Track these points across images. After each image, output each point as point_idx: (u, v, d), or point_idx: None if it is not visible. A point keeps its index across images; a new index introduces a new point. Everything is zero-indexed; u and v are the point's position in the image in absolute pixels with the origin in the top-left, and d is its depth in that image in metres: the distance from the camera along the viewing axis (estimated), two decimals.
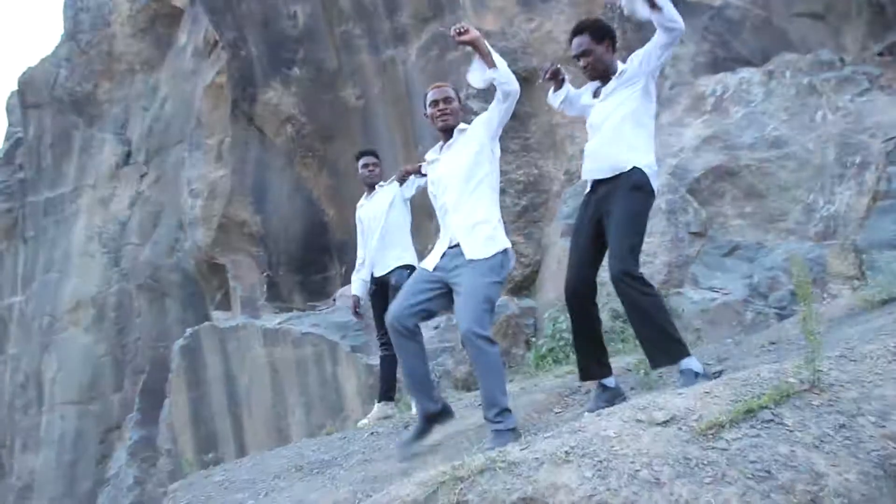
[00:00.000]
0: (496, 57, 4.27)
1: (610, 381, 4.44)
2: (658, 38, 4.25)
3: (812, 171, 7.63)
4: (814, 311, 3.36)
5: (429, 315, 4.46)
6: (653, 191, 4.29)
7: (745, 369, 3.75)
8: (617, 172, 4.24)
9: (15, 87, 18.55)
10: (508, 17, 9.41)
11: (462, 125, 4.60)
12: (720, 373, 4.22)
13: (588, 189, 4.45)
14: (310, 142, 12.07)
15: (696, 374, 3.95)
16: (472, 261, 4.26)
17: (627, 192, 4.19)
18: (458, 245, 4.35)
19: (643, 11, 4.19)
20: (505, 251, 4.34)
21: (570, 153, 9.19)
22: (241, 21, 12.25)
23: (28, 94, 17.67)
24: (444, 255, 4.39)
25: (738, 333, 6.59)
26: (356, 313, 6.87)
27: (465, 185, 4.40)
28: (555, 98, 4.84)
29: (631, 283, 4.06)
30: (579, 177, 9.02)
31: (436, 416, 4.49)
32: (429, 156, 4.83)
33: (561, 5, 9.39)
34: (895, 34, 9.15)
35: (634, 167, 4.23)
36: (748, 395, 3.01)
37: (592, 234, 4.33)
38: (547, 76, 4.72)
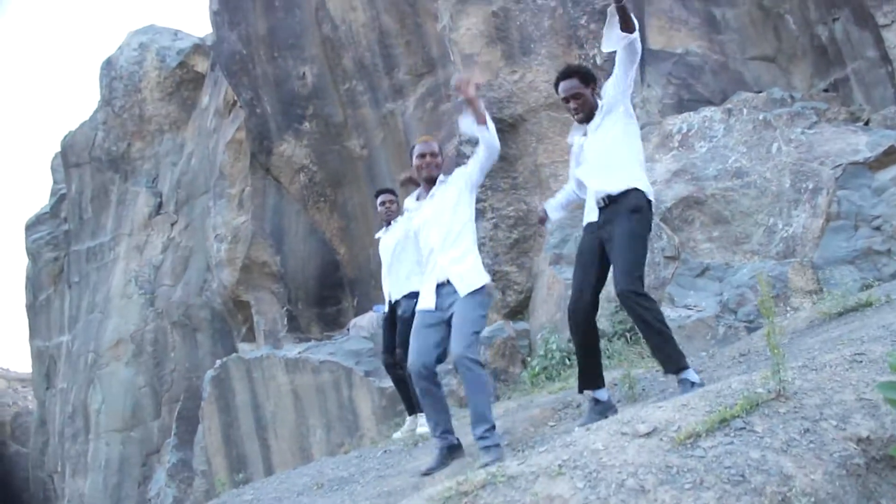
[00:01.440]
0: (488, 117, 4.38)
1: (602, 395, 4.42)
2: (619, 59, 4.26)
3: (771, 198, 7.65)
4: (777, 326, 3.35)
5: (443, 355, 4.50)
6: (651, 210, 4.30)
7: (719, 381, 3.73)
8: (618, 192, 4.22)
9: (58, 149, 18.63)
10: (494, 70, 9.47)
11: (442, 176, 4.68)
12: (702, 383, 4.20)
13: (594, 218, 4.40)
14: (321, 188, 12.10)
15: (693, 384, 3.93)
16: (464, 297, 4.33)
17: (628, 214, 4.18)
18: (447, 283, 4.39)
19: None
20: (486, 284, 4.43)
21: (555, 189, 9.18)
22: (257, 83, 12.33)
23: (70, 155, 17.76)
24: (438, 294, 4.43)
25: (712, 346, 6.57)
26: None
27: (449, 228, 4.48)
28: (557, 213, 4.91)
29: (636, 300, 4.05)
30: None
31: (454, 447, 4.50)
32: (409, 203, 4.89)
33: (540, 58, 9.45)
34: (837, 72, 9.22)
35: (632, 189, 4.23)
36: (721, 405, 3.00)
37: (595, 260, 4.32)
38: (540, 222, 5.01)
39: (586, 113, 4.45)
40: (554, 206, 4.87)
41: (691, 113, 8.78)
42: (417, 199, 4.77)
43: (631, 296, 4.04)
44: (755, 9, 9.77)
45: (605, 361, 6.52)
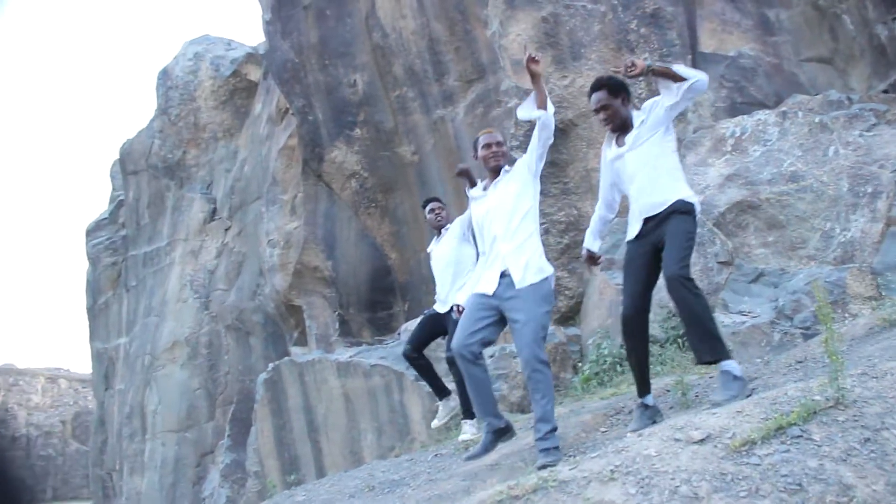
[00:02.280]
0: (548, 101, 4.46)
1: (649, 400, 4.40)
2: (683, 92, 4.30)
3: (828, 202, 7.48)
4: (835, 332, 3.27)
5: (488, 343, 4.49)
6: (696, 216, 4.34)
7: (774, 388, 3.66)
8: (665, 206, 4.26)
9: (117, 156, 19.05)
10: (544, 75, 9.41)
11: (507, 167, 4.74)
12: (752, 391, 4.12)
13: (636, 231, 4.42)
14: (372, 194, 12.18)
15: (735, 377, 3.89)
16: (524, 289, 4.33)
17: (678, 216, 4.23)
18: (508, 273, 4.38)
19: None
20: (549, 277, 4.46)
21: None
22: (308, 90, 12.46)
23: (128, 163, 18.15)
24: (499, 283, 4.40)
25: (766, 353, 6.44)
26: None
27: (511, 217, 4.53)
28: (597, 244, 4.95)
29: (685, 284, 4.05)
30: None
31: (501, 431, 4.49)
32: (474, 192, 4.93)
33: (591, 62, 9.38)
34: None
35: (679, 199, 4.27)
36: (777, 412, 2.94)
37: (645, 264, 4.33)
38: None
39: (616, 124, 4.51)
40: (593, 241, 4.90)
41: (745, 116, 8.64)
42: (484, 189, 4.82)
43: (680, 279, 4.05)
44: (810, 9, 9.57)
45: (657, 368, 6.48)
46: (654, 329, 7.26)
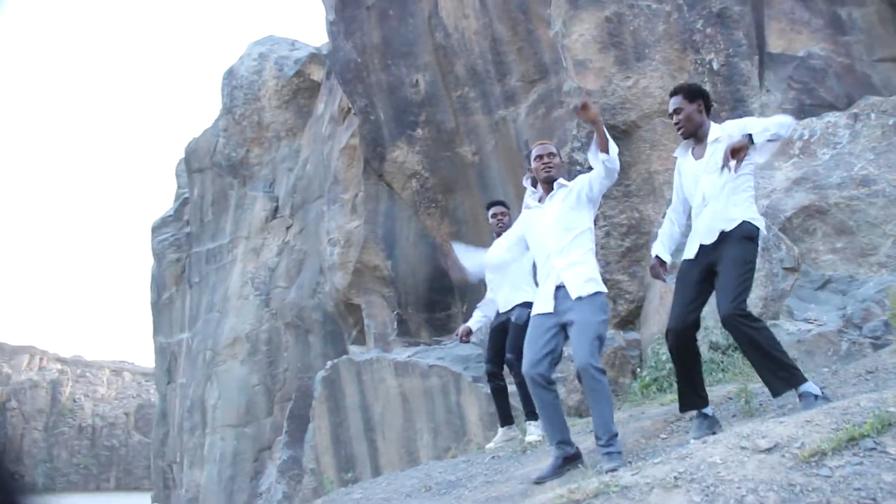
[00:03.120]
0: (610, 142, 4.35)
1: (708, 411, 4.32)
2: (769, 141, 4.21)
3: None
4: None
5: (557, 359, 4.47)
6: (756, 238, 4.23)
7: (844, 398, 3.55)
8: (730, 229, 4.18)
9: (182, 155, 19.45)
10: (607, 76, 9.33)
11: (562, 180, 4.69)
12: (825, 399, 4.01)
13: (694, 252, 4.36)
14: (432, 194, 12.21)
15: (816, 397, 3.79)
16: (580, 298, 4.30)
17: (738, 241, 4.14)
18: (563, 287, 4.36)
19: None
20: (603, 293, 4.41)
21: (668, 197, 8.98)
22: (371, 90, 12.55)
23: (193, 161, 18.51)
24: (555, 298, 4.38)
25: (833, 363, 6.27)
26: (462, 339, 6.72)
27: (566, 232, 4.49)
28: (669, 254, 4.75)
29: (741, 321, 3.97)
30: None
31: (572, 458, 4.44)
32: (529, 200, 4.89)
33: (655, 63, 9.26)
34: None
35: (744, 221, 4.17)
36: (849, 423, 2.85)
37: (699, 280, 4.27)
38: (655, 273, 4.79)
39: (688, 130, 4.44)
40: (664, 251, 4.72)
41: (814, 119, 8.43)
42: (539, 200, 4.79)
43: (735, 318, 3.97)
44: (885, 7, 9.29)
45: (719, 375, 6.36)
46: (716, 335, 7.12)
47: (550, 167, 4.68)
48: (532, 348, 4.40)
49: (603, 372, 4.16)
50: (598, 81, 9.31)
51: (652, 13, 9.41)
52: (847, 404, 3.09)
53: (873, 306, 6.77)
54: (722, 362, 6.60)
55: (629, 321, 9.06)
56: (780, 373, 3.94)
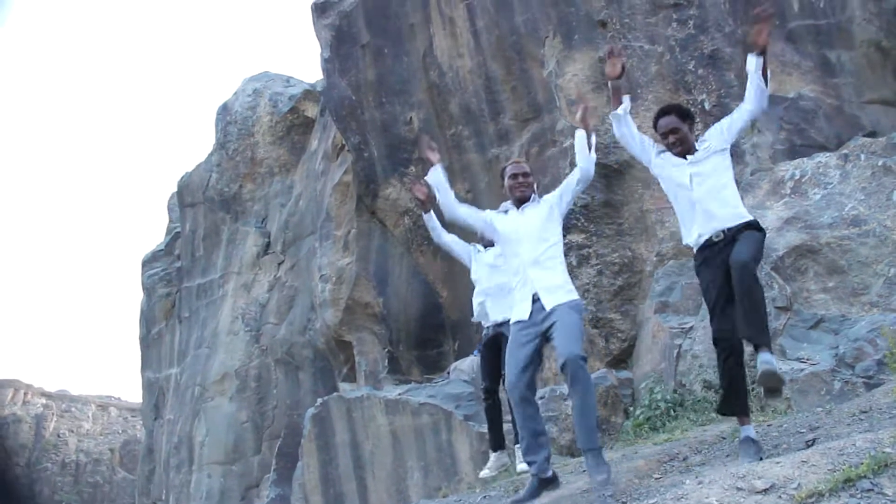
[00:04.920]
0: (593, 145, 4.85)
1: (748, 430, 4.27)
2: (743, 109, 4.69)
3: (891, 247, 7.31)
4: None
5: (537, 368, 4.59)
6: (764, 235, 4.54)
7: (839, 438, 3.55)
8: (738, 221, 4.42)
9: (175, 189, 19.47)
10: (600, 115, 9.43)
11: (535, 196, 4.90)
12: (813, 441, 4.01)
13: (701, 253, 4.54)
14: (425, 232, 12.16)
15: (754, 441, 4.09)
16: (557, 306, 4.45)
17: (750, 231, 4.38)
18: (538, 298, 4.52)
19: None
20: (579, 301, 4.59)
21: (661, 236, 9.05)
22: (364, 127, 12.62)
23: (185, 195, 18.52)
24: (532, 307, 4.52)
25: (826, 402, 6.26)
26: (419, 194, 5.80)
27: (539, 243, 4.66)
28: (619, 117, 4.96)
29: (752, 273, 4.18)
30: (670, 258, 8.88)
31: (547, 482, 4.44)
32: (489, 214, 5.04)
33: (647, 103, 9.36)
34: None
35: (753, 219, 4.48)
36: (845, 464, 2.85)
37: (722, 284, 4.37)
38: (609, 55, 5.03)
39: (685, 147, 4.65)
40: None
41: (804, 159, 8.52)
42: (506, 212, 4.92)
43: (748, 269, 4.16)
44: (873, 50, 9.45)
45: (711, 415, 6.34)
46: (709, 374, 7.13)
47: (525, 186, 4.88)
48: (512, 362, 4.47)
49: (585, 360, 4.26)
50: (592, 121, 9.36)
51: (644, 54, 9.54)
52: (843, 444, 3.09)
53: (865, 346, 6.79)
54: (715, 402, 6.58)
55: (621, 360, 9.06)
56: (762, 328, 4.14)
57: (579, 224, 9.27)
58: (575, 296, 4.54)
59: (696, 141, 4.73)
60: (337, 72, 13.04)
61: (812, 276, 7.56)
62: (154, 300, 19.56)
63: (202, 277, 17.58)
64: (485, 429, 8.01)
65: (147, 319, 19.91)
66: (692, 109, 9.23)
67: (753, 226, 4.43)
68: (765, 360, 4.02)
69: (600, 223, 9.29)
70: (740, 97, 9.07)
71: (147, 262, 20.20)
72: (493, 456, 6.58)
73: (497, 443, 6.56)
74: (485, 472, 6.56)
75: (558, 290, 4.50)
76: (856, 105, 9.35)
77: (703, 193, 4.51)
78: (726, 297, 4.33)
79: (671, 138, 4.63)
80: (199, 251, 17.82)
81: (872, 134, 8.85)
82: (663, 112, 4.77)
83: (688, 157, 4.63)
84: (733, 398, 4.39)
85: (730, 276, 4.30)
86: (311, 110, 16.46)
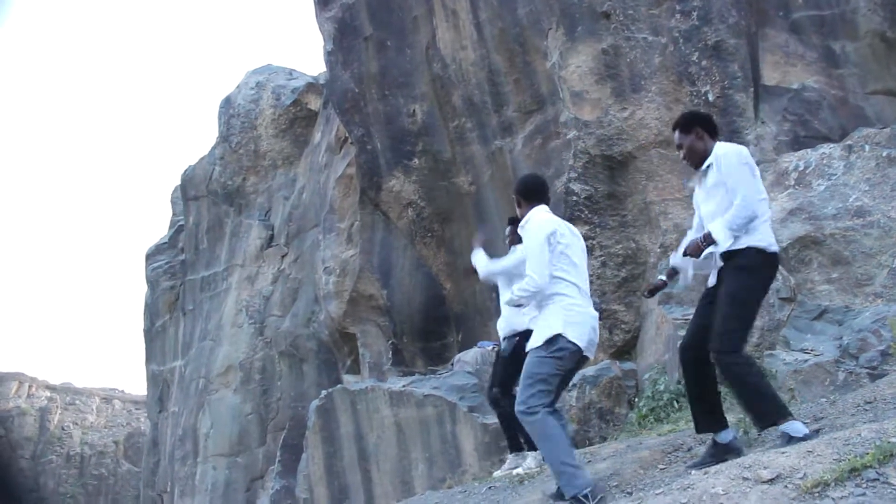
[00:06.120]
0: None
1: (724, 437, 4.21)
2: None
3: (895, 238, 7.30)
4: None
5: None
6: (770, 264, 4.16)
7: (843, 429, 3.55)
8: (731, 249, 4.10)
9: (178, 182, 19.47)
10: (603, 107, 9.41)
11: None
12: (818, 431, 4.00)
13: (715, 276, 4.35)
14: (428, 224, 12.23)
15: (791, 438, 3.74)
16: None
17: (735, 271, 4.09)
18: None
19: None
20: (558, 336, 4.30)
21: (664, 227, 9.04)
22: (368, 120, 12.61)
23: (189, 188, 18.53)
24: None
25: (831, 393, 6.26)
26: None
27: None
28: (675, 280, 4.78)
29: (730, 363, 3.96)
30: (673, 249, 8.88)
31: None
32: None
33: (651, 95, 9.34)
34: None
35: (747, 247, 4.10)
36: (851, 454, 2.84)
37: (713, 300, 4.20)
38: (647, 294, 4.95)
39: (693, 160, 4.41)
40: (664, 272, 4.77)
41: (808, 150, 8.50)
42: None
43: (720, 356, 3.97)
44: (877, 41, 9.42)
45: None
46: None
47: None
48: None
49: (531, 413, 4.16)
50: (595, 112, 9.39)
51: (648, 46, 9.51)
52: (848, 435, 3.09)
53: (869, 336, 6.78)
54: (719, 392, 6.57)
55: (625, 351, 9.06)
56: (765, 408, 3.91)
57: (583, 216, 9.26)
58: (552, 332, 4.33)
59: (714, 144, 4.39)
60: (340, 64, 13.02)
61: (816, 267, 7.55)
62: (158, 293, 19.58)
63: (206, 270, 17.60)
64: (490, 420, 8.04)
65: (151, 312, 19.93)
66: (696, 102, 9.27)
67: (742, 260, 4.08)
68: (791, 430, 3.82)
69: (604, 215, 9.28)
70: (744, 88, 9.10)
71: (151, 255, 20.21)
72: (510, 458, 6.62)
73: (513, 445, 6.57)
74: (498, 473, 6.59)
75: (539, 329, 4.44)
76: (860, 96, 9.33)
77: (705, 213, 4.40)
78: (710, 318, 4.12)
79: (679, 153, 4.50)
80: (203, 244, 17.84)
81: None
82: (672, 127, 4.55)
83: (699, 177, 4.43)
84: (705, 416, 4.24)
85: (718, 286, 4.18)
86: (314, 103, 16.44)
